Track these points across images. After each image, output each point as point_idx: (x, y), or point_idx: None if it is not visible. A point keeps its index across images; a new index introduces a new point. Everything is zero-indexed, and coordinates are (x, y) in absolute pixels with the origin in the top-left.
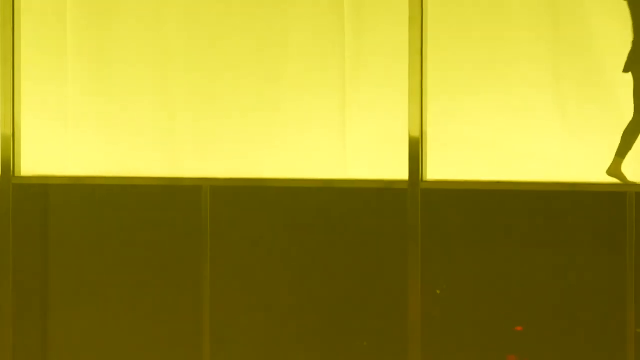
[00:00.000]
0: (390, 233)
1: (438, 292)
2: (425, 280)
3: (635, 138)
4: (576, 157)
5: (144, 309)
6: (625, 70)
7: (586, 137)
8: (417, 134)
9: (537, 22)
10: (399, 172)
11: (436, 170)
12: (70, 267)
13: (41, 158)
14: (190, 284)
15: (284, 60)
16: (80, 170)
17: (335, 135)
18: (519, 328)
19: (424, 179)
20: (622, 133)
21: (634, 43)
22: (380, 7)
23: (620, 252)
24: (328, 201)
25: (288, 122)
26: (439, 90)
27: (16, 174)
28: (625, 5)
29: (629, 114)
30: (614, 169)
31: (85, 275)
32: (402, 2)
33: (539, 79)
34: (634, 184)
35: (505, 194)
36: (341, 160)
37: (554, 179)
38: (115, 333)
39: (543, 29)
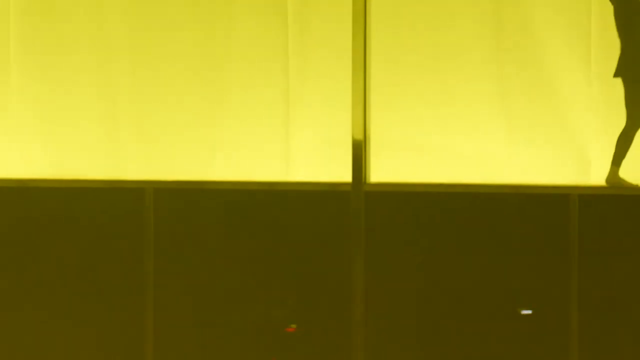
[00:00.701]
0: (334, 235)
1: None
2: (368, 280)
3: (629, 144)
4: (519, 159)
5: (85, 311)
6: (616, 76)
7: (529, 139)
8: (360, 136)
9: (480, 25)
10: (343, 174)
11: (379, 173)
12: (8, 270)
13: None
14: (133, 285)
15: (227, 60)
16: (21, 172)
17: (278, 137)
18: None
19: (367, 181)
20: (615, 140)
21: (623, 48)
22: (323, 10)
23: (564, 253)
24: (271, 203)
25: (231, 124)
26: (382, 93)
27: None
28: (610, 10)
29: (572, 116)
30: (612, 178)
31: (24, 277)
32: (345, 4)
33: (482, 82)
34: (576, 187)
35: (448, 196)
36: (284, 163)
37: (497, 181)
38: (55, 334)
39: (487, 31)
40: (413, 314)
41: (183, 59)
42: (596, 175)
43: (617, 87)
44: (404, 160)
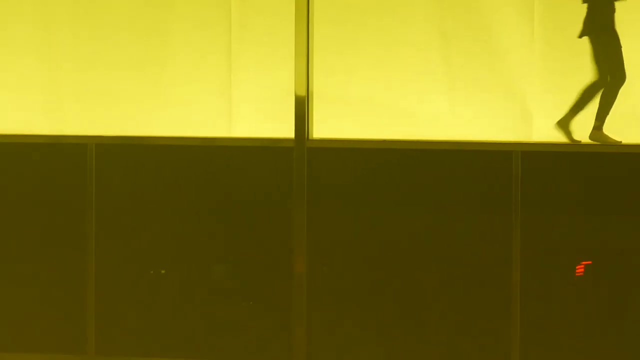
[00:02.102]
0: (276, 191)
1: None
2: (310, 237)
3: (614, 100)
4: (462, 116)
5: (28, 267)
6: (581, 36)
7: (471, 97)
8: (303, 92)
9: None
10: (287, 131)
11: (322, 129)
12: None
13: None
14: (75, 241)
15: (170, 18)
16: None
17: (221, 94)
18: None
19: (310, 137)
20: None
21: (589, 8)
22: None
23: (506, 209)
24: (213, 159)
25: (174, 80)
26: (325, 50)
27: None
28: None
29: (514, 74)
30: (596, 135)
31: None
32: None
33: (425, 39)
34: (520, 143)
35: (391, 153)
36: (227, 119)
37: (441, 138)
38: None
39: None
40: (354, 268)
41: (127, 18)
42: (538, 132)
43: (560, 45)
44: (347, 117)
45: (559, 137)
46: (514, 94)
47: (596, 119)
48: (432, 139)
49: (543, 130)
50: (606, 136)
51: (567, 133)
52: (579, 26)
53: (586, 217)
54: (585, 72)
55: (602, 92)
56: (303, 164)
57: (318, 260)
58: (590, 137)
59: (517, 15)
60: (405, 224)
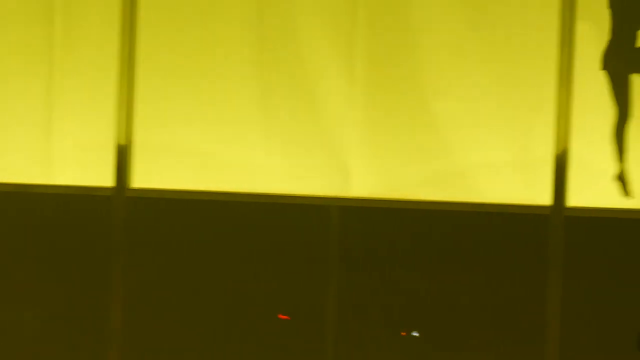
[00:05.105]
0: (95, 239)
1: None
2: (127, 285)
3: (624, 137)
4: (280, 168)
5: None
6: (603, 69)
7: (290, 149)
8: (123, 141)
9: (242, 28)
10: (106, 179)
11: (143, 178)
12: None
13: None
14: None
15: None
16: None
17: (41, 140)
18: None
19: (130, 186)
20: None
21: (612, 41)
22: (90, 10)
23: (323, 263)
24: (31, 206)
25: None
26: (147, 97)
27: None
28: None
29: (333, 126)
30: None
31: None
32: (113, 8)
33: (244, 88)
34: (335, 198)
35: (209, 204)
36: (47, 166)
37: (257, 190)
38: None
39: (250, 34)
40: (170, 320)
41: None
42: (357, 187)
43: (380, 97)
44: (167, 166)
45: (377, 193)
46: (332, 147)
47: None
48: (248, 191)
49: (361, 184)
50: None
51: (626, 185)
52: (401, 80)
53: (403, 271)
54: (405, 126)
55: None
56: (122, 212)
57: (134, 311)
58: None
59: (337, 65)
60: (221, 273)
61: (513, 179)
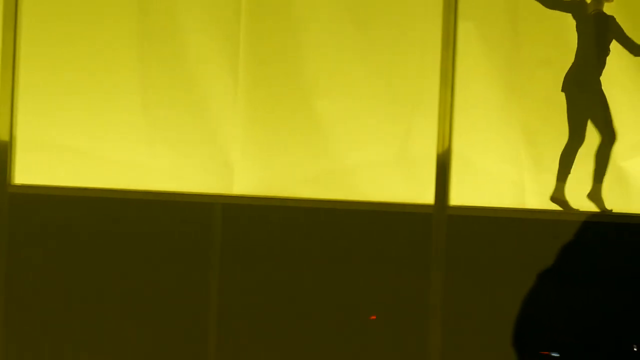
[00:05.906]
0: None
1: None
2: (9, 285)
3: (573, 159)
4: (164, 165)
5: None
6: (563, 90)
7: (173, 146)
8: (5, 137)
9: (128, 25)
10: None
11: (25, 175)
12: None
13: None
14: None
15: None
16: None
17: None
18: None
19: (12, 182)
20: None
21: (575, 65)
22: None
23: (206, 260)
24: None
25: None
26: (30, 93)
27: None
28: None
29: (216, 125)
30: (558, 194)
31: None
32: None
33: (130, 86)
34: (220, 195)
35: (91, 201)
36: None
37: (140, 188)
38: None
39: (133, 33)
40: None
41: None
42: (240, 184)
43: (263, 95)
44: (51, 163)
45: (260, 190)
46: (215, 145)
47: (595, 181)
48: (130, 188)
49: (243, 181)
50: (566, 199)
51: (564, 203)
52: (284, 78)
53: (285, 270)
54: (288, 124)
55: (597, 154)
56: (4, 210)
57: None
58: (553, 197)
59: (221, 63)
60: (106, 270)
61: (396, 177)
